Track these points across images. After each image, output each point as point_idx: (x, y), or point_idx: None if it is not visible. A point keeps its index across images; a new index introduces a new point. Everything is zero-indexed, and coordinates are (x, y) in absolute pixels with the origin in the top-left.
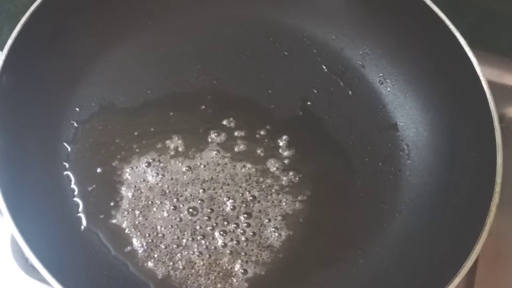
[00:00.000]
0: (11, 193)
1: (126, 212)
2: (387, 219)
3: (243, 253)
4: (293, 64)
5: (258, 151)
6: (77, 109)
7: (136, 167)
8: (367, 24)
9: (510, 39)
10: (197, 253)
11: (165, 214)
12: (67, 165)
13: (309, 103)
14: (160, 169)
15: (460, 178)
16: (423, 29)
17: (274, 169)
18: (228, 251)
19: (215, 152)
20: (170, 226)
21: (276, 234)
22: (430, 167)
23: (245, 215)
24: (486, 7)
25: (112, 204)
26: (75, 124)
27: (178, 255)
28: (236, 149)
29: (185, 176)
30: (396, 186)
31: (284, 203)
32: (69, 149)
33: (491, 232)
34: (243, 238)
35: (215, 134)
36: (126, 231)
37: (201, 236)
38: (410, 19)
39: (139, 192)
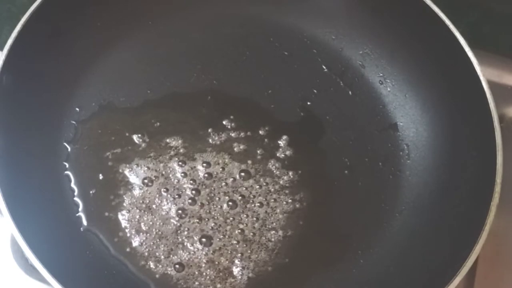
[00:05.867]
0: (11, 193)
1: (126, 212)
2: (387, 219)
3: (242, 253)
4: (293, 64)
5: (258, 151)
6: (77, 109)
7: (136, 167)
8: (367, 24)
9: (510, 39)
10: (197, 253)
11: (165, 214)
12: (67, 165)
13: (309, 103)
14: (160, 169)
15: (460, 178)
16: (423, 29)
17: (274, 169)
18: (228, 251)
19: (215, 152)
20: (170, 226)
21: (276, 234)
22: (430, 167)
23: (245, 215)
24: (486, 7)
25: (112, 204)
26: (75, 124)
27: (178, 255)
28: (236, 149)
29: (185, 176)
30: (396, 186)
31: (284, 203)
32: (69, 149)
33: (491, 232)
34: (242, 238)
35: (215, 134)
36: (126, 231)
37: (201, 236)
38: (410, 19)
39: (139, 192)
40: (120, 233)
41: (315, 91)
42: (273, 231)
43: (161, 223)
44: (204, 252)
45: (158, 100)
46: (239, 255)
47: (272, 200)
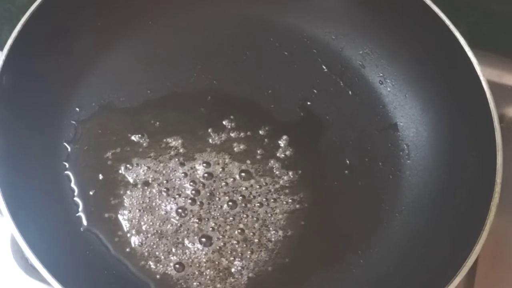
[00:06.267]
0: (11, 193)
1: (126, 212)
2: (387, 219)
3: (242, 253)
4: (293, 64)
5: (258, 151)
6: (77, 109)
7: (136, 167)
8: (367, 24)
9: (510, 39)
10: (197, 253)
11: (165, 214)
12: (67, 165)
13: (309, 103)
14: (160, 169)
15: (460, 178)
16: (423, 29)
17: (274, 169)
18: (228, 251)
19: (215, 152)
20: (170, 226)
21: (276, 234)
22: (430, 167)
23: (244, 215)
24: (486, 7)
25: (112, 203)
26: (75, 124)
27: (178, 255)
28: (236, 149)
29: (185, 176)
30: (396, 186)
31: (284, 203)
32: (69, 149)
33: (491, 232)
34: (242, 238)
35: (215, 134)
36: (126, 231)
37: (201, 236)
38: (410, 19)
39: (139, 192)
40: (120, 233)
41: (315, 91)
42: (273, 231)
43: (161, 223)
44: (204, 252)
45: (158, 100)
46: (239, 255)
47: (272, 200)
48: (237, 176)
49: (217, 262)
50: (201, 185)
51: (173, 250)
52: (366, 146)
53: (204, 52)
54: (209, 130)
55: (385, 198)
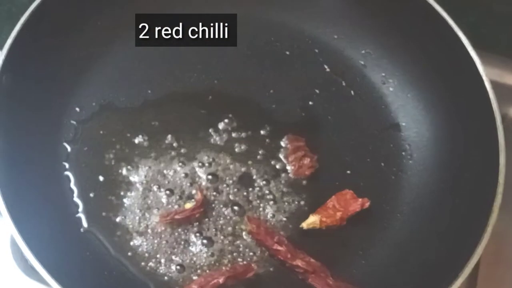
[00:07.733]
0: (11, 193)
1: (126, 212)
2: (388, 219)
3: (243, 254)
4: (294, 64)
5: (259, 152)
6: (77, 109)
7: (137, 167)
8: (369, 24)
9: (511, 39)
10: (198, 254)
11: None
12: (67, 165)
13: (310, 103)
14: (160, 169)
15: (462, 179)
16: (425, 29)
17: (275, 169)
18: (229, 252)
19: (216, 152)
20: (170, 227)
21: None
22: (432, 167)
23: (246, 215)
24: (487, 7)
25: (112, 204)
26: (75, 124)
27: (179, 256)
28: (237, 150)
29: (185, 177)
30: (397, 186)
31: (285, 203)
32: (69, 149)
33: (493, 232)
34: (243, 238)
35: (216, 134)
36: (127, 231)
37: (201, 237)
38: (412, 19)
39: (139, 192)
40: (120, 233)
41: (316, 91)
42: (274, 231)
43: (162, 224)
44: (204, 253)
45: (158, 100)
46: (240, 255)
47: (273, 200)
48: (238, 177)
49: (217, 263)
50: (202, 185)
51: (174, 251)
52: (368, 146)
53: (204, 52)
54: (210, 130)
55: (386, 198)
